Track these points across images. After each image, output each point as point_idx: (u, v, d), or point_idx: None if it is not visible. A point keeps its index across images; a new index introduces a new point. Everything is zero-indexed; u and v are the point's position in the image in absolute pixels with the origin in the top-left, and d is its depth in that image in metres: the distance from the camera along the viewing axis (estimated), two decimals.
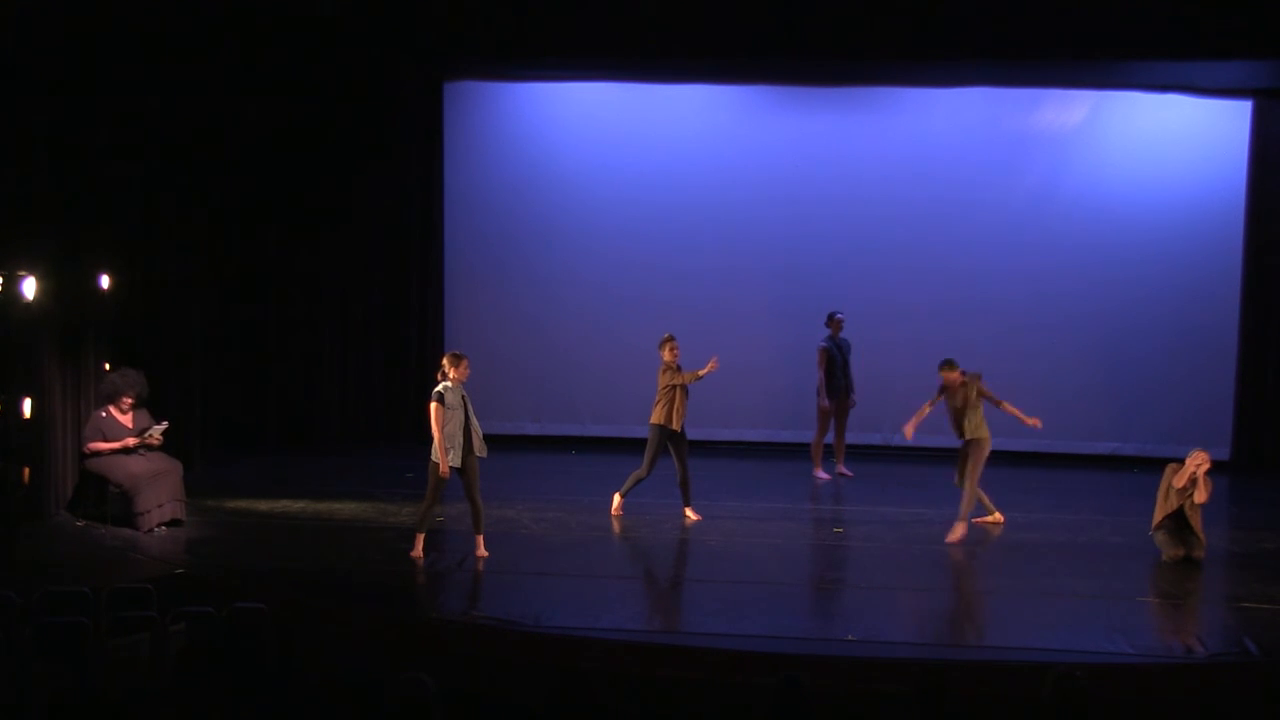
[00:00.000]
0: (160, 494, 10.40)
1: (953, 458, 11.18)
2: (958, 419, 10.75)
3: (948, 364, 10.81)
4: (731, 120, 14.53)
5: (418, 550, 9.60)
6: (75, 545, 9.96)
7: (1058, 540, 10.65)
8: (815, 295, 13.78)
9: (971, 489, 10.62)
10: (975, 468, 10.61)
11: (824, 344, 13.02)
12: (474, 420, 9.53)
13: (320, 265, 14.30)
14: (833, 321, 13.12)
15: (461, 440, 9.43)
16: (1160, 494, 10.03)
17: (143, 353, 11.58)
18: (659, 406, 10.86)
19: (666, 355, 10.92)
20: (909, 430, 10.83)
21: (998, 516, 11.03)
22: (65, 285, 10.50)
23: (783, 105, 14.45)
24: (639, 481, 11.01)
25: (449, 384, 9.47)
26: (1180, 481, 9.89)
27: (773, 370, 14.28)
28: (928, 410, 10.85)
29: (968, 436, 10.69)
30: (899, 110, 14.31)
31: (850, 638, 8.09)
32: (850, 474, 13.13)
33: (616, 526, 10.90)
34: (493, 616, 8.38)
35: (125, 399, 10.49)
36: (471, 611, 8.64)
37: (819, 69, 13.73)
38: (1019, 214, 14.20)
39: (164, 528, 10.36)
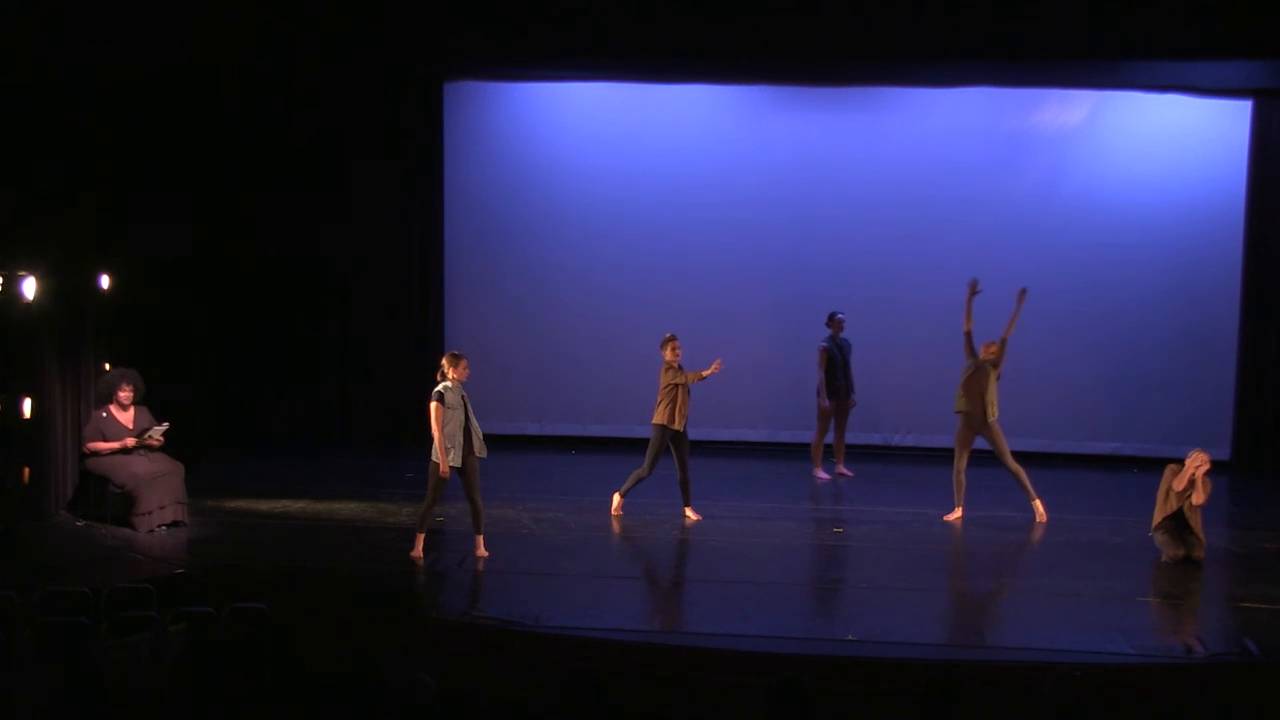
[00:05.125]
0: (162, 495, 10.39)
1: (949, 457, 11.24)
2: (984, 395, 10.92)
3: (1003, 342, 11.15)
4: (731, 120, 14.53)
5: (418, 550, 9.60)
6: (75, 545, 9.95)
7: (1058, 540, 10.66)
8: (815, 295, 13.78)
9: (1020, 470, 11.04)
10: (1005, 445, 11.00)
11: (824, 344, 13.02)
12: (474, 420, 9.52)
13: (320, 265, 14.30)
14: (833, 321, 13.12)
15: (461, 440, 9.43)
16: (1160, 495, 10.03)
17: (143, 353, 11.58)
18: (661, 406, 10.86)
19: (668, 355, 10.92)
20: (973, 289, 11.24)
21: (958, 513, 11.19)
22: (65, 285, 10.50)
23: (783, 105, 14.45)
24: (640, 481, 11.01)
25: (449, 384, 9.47)
26: (1180, 484, 9.89)
27: (773, 370, 14.27)
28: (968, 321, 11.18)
29: (992, 419, 10.93)
30: (899, 110, 14.31)
31: (850, 638, 8.09)
32: (850, 474, 13.14)
33: (616, 526, 10.90)
34: (493, 616, 8.38)
35: (121, 392, 10.49)
36: (471, 611, 8.64)
37: (819, 69, 13.73)
38: (1019, 214, 14.20)
39: (164, 528, 10.35)
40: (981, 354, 11.09)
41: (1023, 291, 11.28)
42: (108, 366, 11.14)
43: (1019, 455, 11.24)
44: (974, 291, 11.29)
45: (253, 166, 13.62)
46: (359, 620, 8.38)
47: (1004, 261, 14.16)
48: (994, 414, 10.96)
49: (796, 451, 13.82)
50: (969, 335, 11.19)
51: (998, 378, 11.06)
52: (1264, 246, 13.89)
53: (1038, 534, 10.88)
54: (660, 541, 10.51)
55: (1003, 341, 11.15)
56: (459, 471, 9.46)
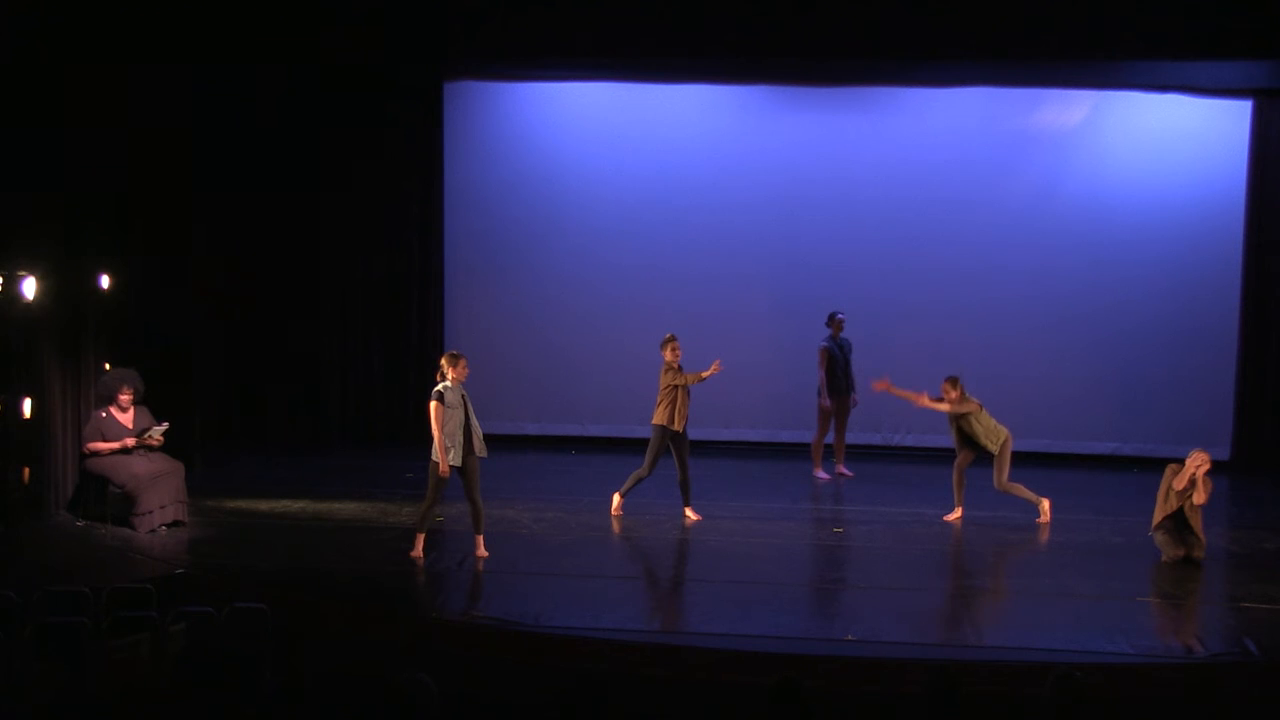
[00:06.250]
0: (162, 495, 10.40)
1: (949, 457, 11.28)
2: (975, 440, 10.99)
3: (951, 380, 11.10)
4: (731, 120, 14.53)
5: (418, 550, 9.60)
6: (75, 545, 9.96)
7: (1058, 540, 10.66)
8: (816, 295, 13.78)
9: (1013, 486, 11.06)
10: (1004, 470, 11.02)
11: (825, 344, 13.03)
12: (474, 420, 9.52)
13: (320, 265, 14.31)
14: (833, 321, 13.12)
15: (461, 440, 9.43)
16: (1160, 495, 10.03)
17: (142, 353, 11.58)
18: (661, 407, 10.85)
19: (668, 355, 10.91)
20: (885, 386, 11.41)
21: (958, 513, 11.24)
22: (65, 285, 10.50)
23: (783, 105, 14.45)
24: (639, 481, 11.01)
25: (448, 384, 9.47)
26: (1180, 483, 9.89)
27: (773, 370, 14.28)
28: (916, 400, 11.22)
29: (993, 449, 10.97)
30: (899, 110, 14.31)
31: (850, 638, 8.09)
32: (850, 474, 13.14)
33: (616, 526, 10.90)
34: (493, 616, 8.38)
35: (122, 395, 10.49)
36: (471, 611, 8.64)
37: (819, 69, 13.74)
38: (1019, 214, 14.21)
39: (164, 528, 10.36)
40: (955, 406, 11.03)
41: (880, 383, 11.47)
42: (108, 366, 11.14)
43: (1019, 455, 11.24)
44: (887, 387, 11.39)
45: (253, 166, 13.61)
46: (359, 620, 8.38)
47: (1004, 261, 14.22)
48: (994, 445, 10.97)
49: (796, 451, 13.83)
50: (927, 403, 11.19)
51: (978, 411, 11.00)
52: (1264, 246, 13.89)
53: (1038, 534, 10.88)
54: (660, 541, 10.51)
55: (955, 388, 11.05)
56: (459, 471, 9.46)
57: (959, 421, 11.06)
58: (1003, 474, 11.04)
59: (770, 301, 14.47)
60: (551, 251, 14.62)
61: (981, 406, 11.04)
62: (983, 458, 11.18)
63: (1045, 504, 11.13)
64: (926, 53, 12.39)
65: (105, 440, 10.41)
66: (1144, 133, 14.06)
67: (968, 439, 11.11)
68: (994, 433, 10.99)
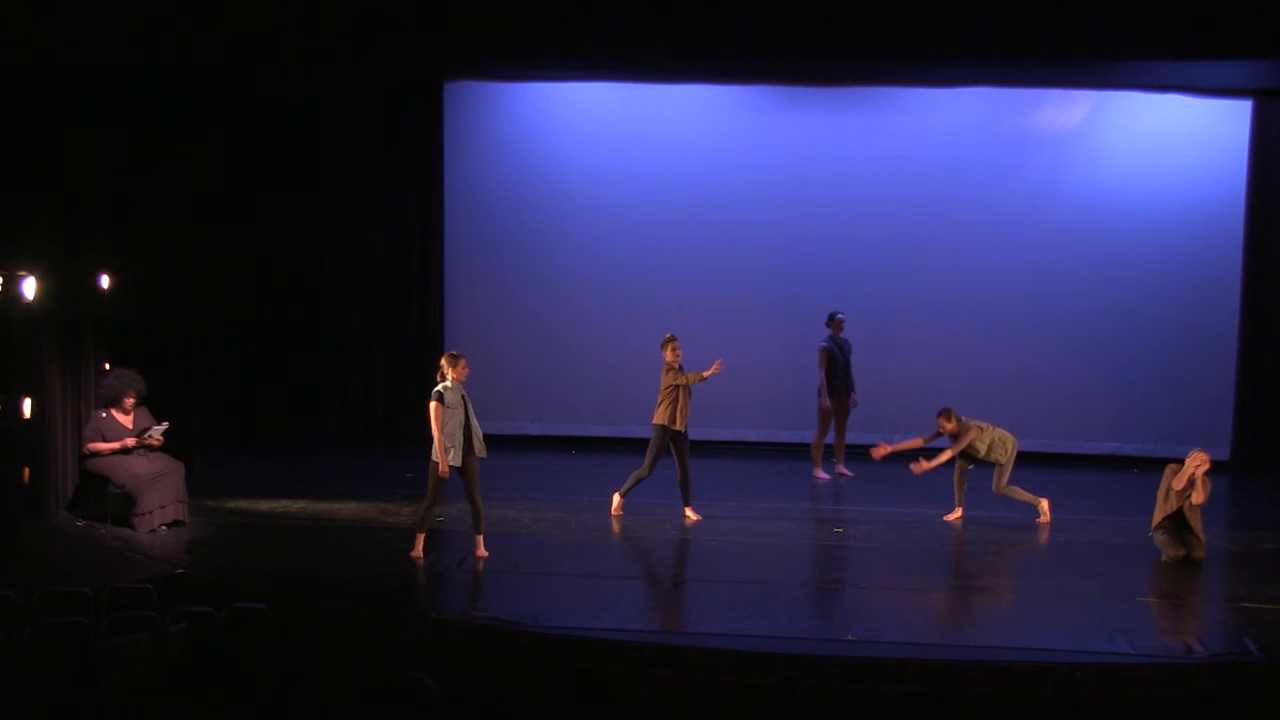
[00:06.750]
0: (162, 495, 10.40)
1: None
2: (977, 457, 11.03)
3: (945, 414, 11.08)
4: (731, 120, 14.53)
5: (418, 550, 9.61)
6: (75, 545, 9.96)
7: (1058, 540, 10.66)
8: (816, 295, 13.78)
9: (1011, 489, 11.09)
10: (1003, 476, 11.09)
11: (825, 344, 13.03)
12: (474, 420, 9.52)
13: (320, 265, 14.30)
14: (833, 321, 13.12)
15: (461, 440, 9.43)
16: (1160, 495, 10.03)
17: (143, 353, 11.58)
18: (662, 407, 10.86)
19: (668, 355, 10.91)
20: (884, 450, 11.37)
21: (958, 513, 11.27)
22: (65, 285, 10.50)
23: (783, 105, 14.45)
24: (640, 481, 11.01)
25: (448, 384, 9.47)
26: (1180, 483, 9.90)
27: (773, 370, 14.27)
28: (917, 466, 11.16)
29: (1001, 461, 10.98)
30: (899, 110, 14.31)
31: (850, 638, 8.09)
32: (850, 474, 13.14)
33: (616, 526, 10.90)
34: (493, 616, 8.38)
35: (126, 400, 10.50)
36: (471, 611, 8.64)
37: (819, 69, 13.73)
38: (1019, 214, 14.21)
39: (165, 528, 10.36)
40: (957, 439, 10.99)
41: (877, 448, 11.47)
42: (108, 366, 11.14)
43: (1019, 455, 11.24)
44: (886, 450, 11.39)
45: (253, 166, 13.61)
46: (359, 620, 8.38)
47: (1004, 261, 14.22)
48: (1002, 456, 10.98)
49: (796, 451, 13.83)
50: (927, 466, 11.12)
51: (980, 434, 10.99)
52: (1264, 247, 13.90)
53: (1038, 534, 10.89)
54: (660, 541, 10.51)
55: (950, 420, 11.05)
56: (459, 471, 9.46)
57: (970, 447, 11.02)
58: (1002, 478, 11.04)
59: (770, 301, 14.46)
60: (552, 251, 14.62)
61: (983, 427, 11.00)
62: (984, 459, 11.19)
63: (1044, 504, 11.14)
64: (926, 53, 12.39)
65: (105, 440, 10.41)
66: (1144, 133, 14.06)
67: (972, 457, 11.11)
68: (999, 445, 10.99)
